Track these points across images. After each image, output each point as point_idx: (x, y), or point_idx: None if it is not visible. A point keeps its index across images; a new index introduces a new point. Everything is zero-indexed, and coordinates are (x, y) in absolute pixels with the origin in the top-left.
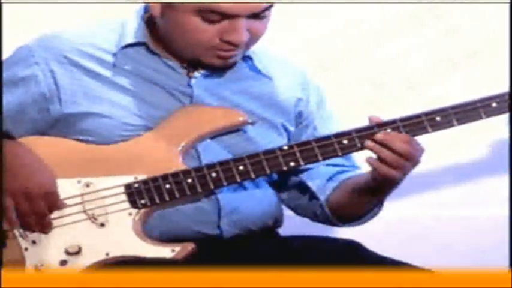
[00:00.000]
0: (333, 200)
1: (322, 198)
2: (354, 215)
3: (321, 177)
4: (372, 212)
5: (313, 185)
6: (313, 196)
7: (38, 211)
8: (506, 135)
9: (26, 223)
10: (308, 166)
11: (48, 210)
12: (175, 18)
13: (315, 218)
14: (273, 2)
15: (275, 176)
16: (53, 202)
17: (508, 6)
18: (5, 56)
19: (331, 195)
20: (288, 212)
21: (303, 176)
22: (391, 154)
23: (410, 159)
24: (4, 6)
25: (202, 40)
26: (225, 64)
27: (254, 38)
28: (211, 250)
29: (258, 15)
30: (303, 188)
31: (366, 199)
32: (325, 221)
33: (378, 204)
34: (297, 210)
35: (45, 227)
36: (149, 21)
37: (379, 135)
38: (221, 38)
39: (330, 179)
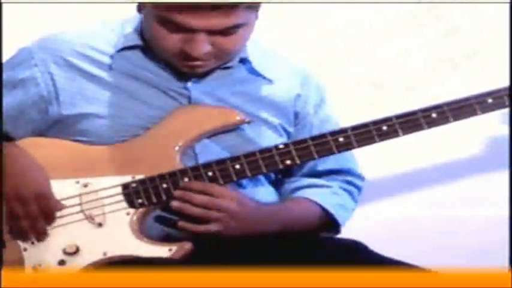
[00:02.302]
0: None
1: None
2: None
3: (289, 185)
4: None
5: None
6: None
7: (30, 214)
8: (506, 133)
9: (20, 227)
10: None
11: (41, 213)
12: (145, 21)
13: None
14: (276, 2)
15: (273, 176)
16: (46, 204)
17: (508, 6)
18: (5, 56)
19: None
20: None
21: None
22: (194, 209)
23: (221, 209)
24: (4, 6)
25: (165, 47)
26: (194, 71)
27: (222, 52)
28: (210, 250)
29: (221, 31)
30: None
31: None
32: None
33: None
34: None
35: (38, 232)
36: None
37: (177, 192)
38: (181, 47)
39: (296, 189)
